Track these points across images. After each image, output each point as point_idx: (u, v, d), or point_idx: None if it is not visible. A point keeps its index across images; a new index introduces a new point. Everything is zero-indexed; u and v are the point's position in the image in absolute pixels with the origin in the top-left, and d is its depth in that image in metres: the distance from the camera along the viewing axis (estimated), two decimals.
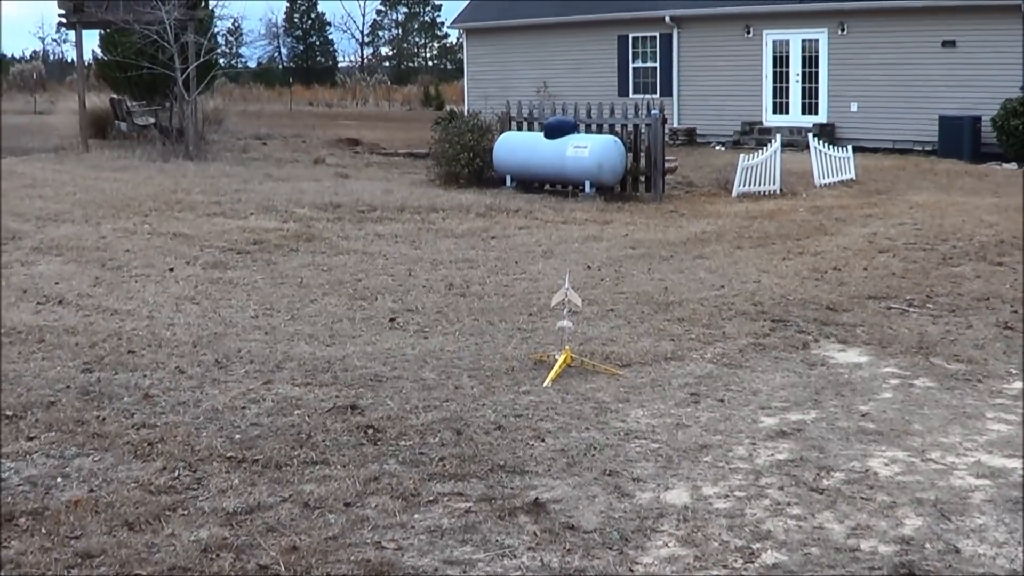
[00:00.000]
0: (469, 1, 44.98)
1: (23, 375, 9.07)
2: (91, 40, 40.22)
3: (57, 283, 12.97)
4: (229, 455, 7.27)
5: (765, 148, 23.60)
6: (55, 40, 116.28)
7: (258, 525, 6.20)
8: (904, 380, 9.35)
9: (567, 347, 9.61)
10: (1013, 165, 28.76)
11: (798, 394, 8.91)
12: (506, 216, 19.13)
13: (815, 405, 8.61)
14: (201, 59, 30.24)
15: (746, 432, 7.92)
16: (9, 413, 8.09)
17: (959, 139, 30.67)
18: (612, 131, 22.76)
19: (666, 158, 22.88)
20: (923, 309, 12.05)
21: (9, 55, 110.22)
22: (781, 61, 35.78)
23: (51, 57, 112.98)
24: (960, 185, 24.14)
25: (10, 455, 7.27)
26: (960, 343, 10.55)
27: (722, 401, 8.70)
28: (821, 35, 34.85)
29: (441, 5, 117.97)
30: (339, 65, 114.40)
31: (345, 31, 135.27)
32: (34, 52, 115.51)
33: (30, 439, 7.60)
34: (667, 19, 37.58)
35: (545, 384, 9.02)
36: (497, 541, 6.06)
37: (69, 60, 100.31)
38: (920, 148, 32.01)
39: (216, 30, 37.38)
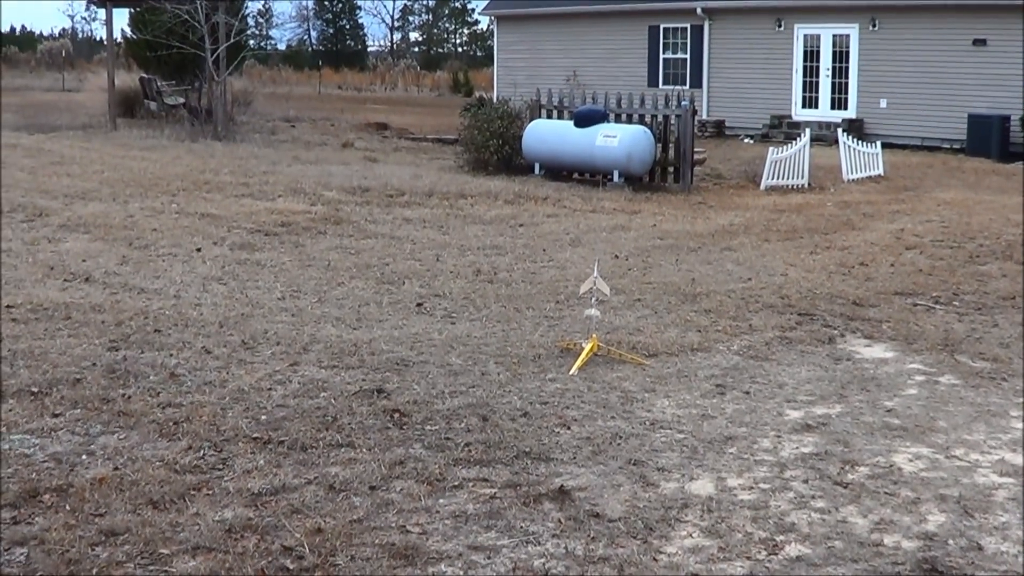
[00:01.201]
0: None
1: (49, 352, 9.10)
2: (120, 19, 40.30)
3: (84, 261, 13.01)
4: (255, 436, 7.29)
5: (794, 142, 23.56)
6: (84, 18, 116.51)
7: (283, 506, 6.22)
8: (929, 377, 9.34)
9: (594, 335, 9.62)
10: None
11: (823, 388, 8.90)
12: (534, 204, 19.12)
13: (840, 399, 8.60)
14: (232, 40, 30.26)
15: (771, 425, 7.92)
16: (35, 390, 8.13)
17: (987, 138, 30.54)
18: (642, 121, 22.72)
19: (695, 149, 22.83)
20: (949, 306, 12.02)
21: (38, 32, 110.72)
22: (811, 55, 35.65)
23: (79, 35, 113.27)
24: (988, 184, 24.04)
25: (35, 431, 7.31)
26: (986, 341, 10.52)
27: (748, 393, 8.69)
28: (852, 30, 34.71)
29: None
30: (368, 50, 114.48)
31: (375, 15, 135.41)
32: (63, 30, 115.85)
33: (55, 416, 7.64)
34: (699, 11, 37.47)
35: (571, 372, 9.03)
36: (522, 527, 6.07)
37: (98, 38, 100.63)
38: (948, 146, 31.89)
39: (247, 11, 37.29)
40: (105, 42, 40.03)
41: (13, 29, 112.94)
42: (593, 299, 9.86)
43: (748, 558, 5.80)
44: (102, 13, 35.69)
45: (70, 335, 9.70)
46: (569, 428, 7.66)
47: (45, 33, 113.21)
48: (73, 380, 8.39)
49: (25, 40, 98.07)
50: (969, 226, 17.18)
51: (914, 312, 11.67)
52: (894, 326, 11.00)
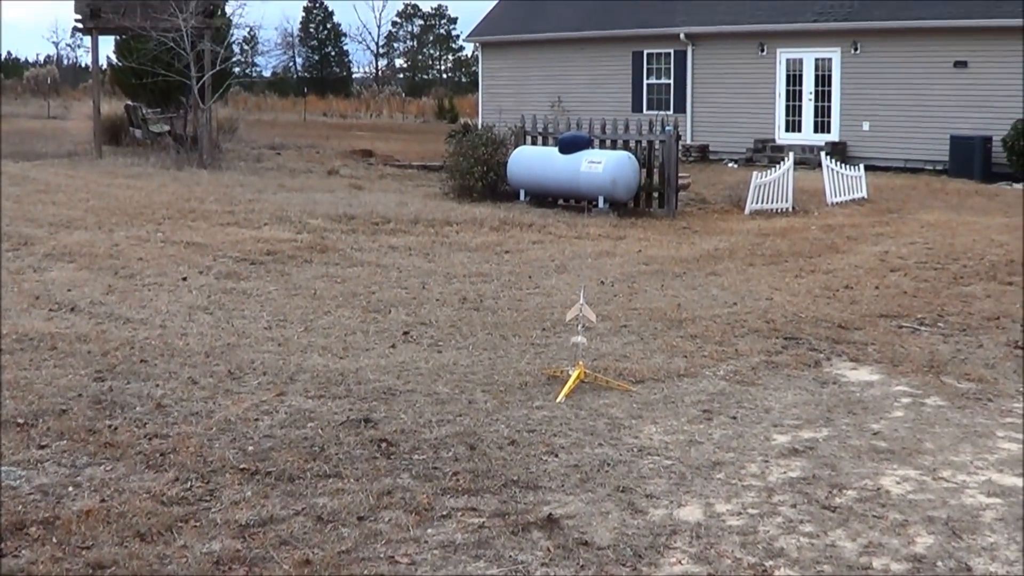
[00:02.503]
0: (485, 14, 45.00)
1: (34, 383, 9.08)
2: (106, 46, 40.33)
3: (69, 290, 12.98)
4: (242, 467, 7.27)
5: (778, 166, 23.61)
6: (69, 45, 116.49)
7: (271, 538, 6.21)
8: (915, 399, 9.36)
9: (580, 363, 9.62)
10: (1023, 185, 28.74)
11: (810, 412, 8.91)
12: (520, 230, 19.13)
13: (827, 423, 8.61)
14: (217, 67, 30.28)
15: (759, 449, 7.93)
16: (20, 421, 8.10)
17: (970, 159, 30.69)
18: (626, 147, 22.77)
19: (679, 175, 22.87)
20: (934, 328, 12.05)
21: (23, 59, 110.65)
22: (794, 79, 35.80)
23: (65, 62, 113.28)
24: (971, 205, 24.14)
25: (21, 463, 7.28)
26: (971, 362, 10.56)
27: (735, 418, 8.70)
28: (834, 54, 34.87)
29: (457, 18, 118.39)
30: (353, 76, 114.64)
31: (360, 42, 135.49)
32: (48, 56, 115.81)
33: (41, 447, 7.61)
34: (682, 36, 37.62)
35: (558, 400, 9.02)
36: (511, 557, 6.06)
37: (83, 65, 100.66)
38: (931, 167, 32.03)
39: (232, 38, 37.31)
40: (91, 69, 39.99)
41: None
42: (579, 326, 9.87)
43: None
44: (87, 40, 35.69)
45: (56, 365, 9.68)
46: (557, 456, 7.66)
47: (31, 60, 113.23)
48: (59, 411, 8.36)
49: (10, 67, 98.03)
50: (953, 247, 17.24)
51: (899, 334, 11.70)
52: (879, 349, 11.03)
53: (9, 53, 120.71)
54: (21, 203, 19.77)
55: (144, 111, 35.63)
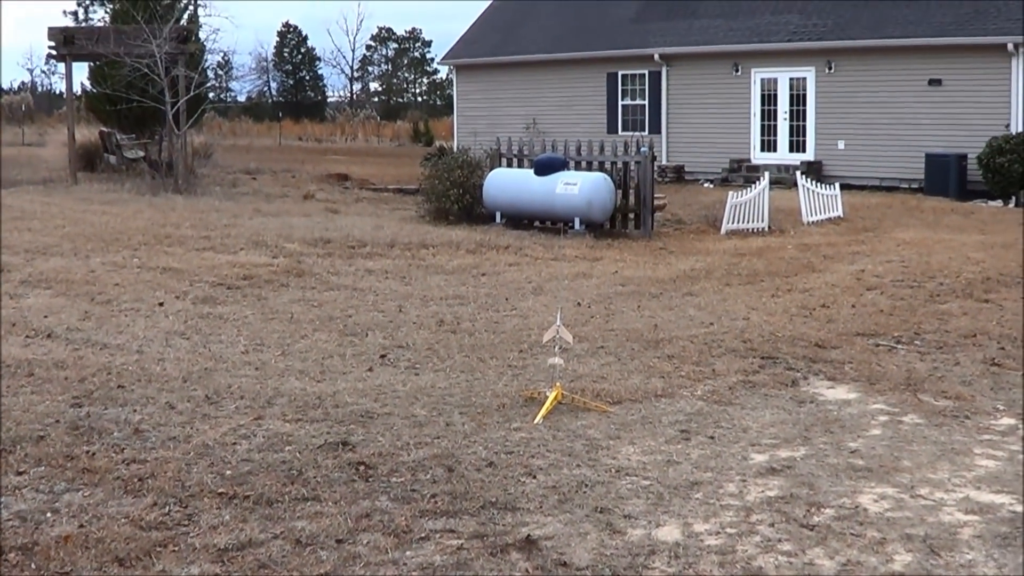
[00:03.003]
0: (459, 37, 45.06)
1: (12, 409, 9.04)
2: (80, 73, 40.27)
3: (46, 316, 12.94)
4: (220, 491, 7.26)
5: (753, 186, 23.68)
6: (44, 72, 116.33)
7: (250, 562, 6.20)
8: (893, 417, 9.39)
9: (558, 384, 9.63)
10: (998, 203, 28.91)
11: (788, 431, 8.93)
12: (496, 253, 19.16)
13: (804, 442, 8.63)
14: (191, 93, 30.26)
15: (736, 469, 7.94)
16: None
17: (945, 177, 30.80)
18: (602, 168, 22.84)
19: (655, 195, 22.92)
20: (911, 346, 12.09)
21: None
22: (769, 99, 35.92)
23: (39, 89, 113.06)
24: (946, 222, 24.22)
25: None
26: (948, 380, 10.59)
27: (712, 438, 8.71)
28: (809, 73, 35.00)
29: (431, 41, 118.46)
30: (328, 100, 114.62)
31: (335, 66, 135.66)
32: (22, 83, 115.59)
33: (19, 473, 7.58)
34: (656, 57, 37.71)
35: (536, 421, 9.03)
36: None
37: (57, 92, 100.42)
38: (907, 186, 32.14)
39: (206, 64, 37.33)
40: (65, 96, 39.94)
41: None
42: (556, 348, 9.89)
43: None
44: (62, 67, 35.65)
45: (33, 392, 9.64)
46: (535, 477, 7.66)
47: (5, 87, 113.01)
48: (37, 437, 8.33)
49: None
50: (929, 265, 17.30)
51: (876, 352, 11.73)
52: (856, 367, 11.06)
53: None
54: None
55: (118, 137, 35.59)
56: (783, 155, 35.31)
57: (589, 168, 22.97)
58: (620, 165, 22.89)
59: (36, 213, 22.59)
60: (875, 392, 10.18)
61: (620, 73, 39.12)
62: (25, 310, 13.29)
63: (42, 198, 26.08)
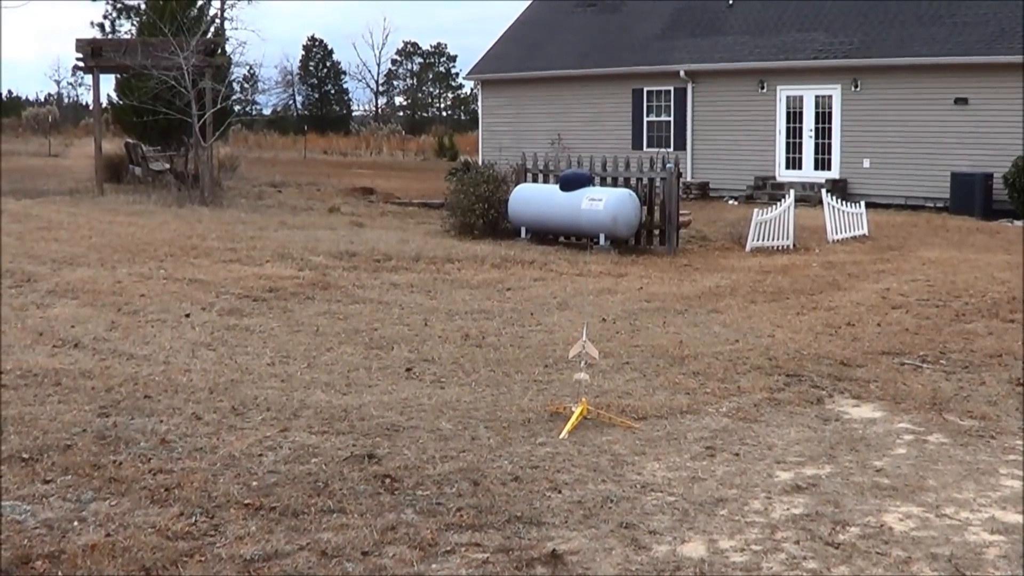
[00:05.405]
0: (485, 52, 45.10)
1: (39, 418, 9.09)
2: (107, 84, 40.44)
3: (73, 326, 12.99)
4: (246, 502, 7.28)
5: (779, 203, 23.65)
6: (71, 83, 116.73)
7: (275, 573, 6.22)
8: (918, 436, 9.37)
9: (583, 399, 9.63)
10: None
11: (813, 449, 8.92)
12: (521, 267, 19.19)
13: (830, 460, 8.62)
14: (218, 106, 30.36)
15: (762, 486, 7.93)
16: (25, 456, 8.11)
17: (971, 196, 30.72)
18: (627, 184, 22.86)
19: (680, 212, 22.92)
20: (936, 365, 12.07)
21: (24, 97, 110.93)
22: (795, 116, 35.87)
23: (66, 100, 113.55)
24: (972, 242, 24.16)
25: (26, 497, 7.29)
26: (973, 399, 10.57)
27: (737, 455, 8.71)
28: (835, 91, 34.96)
29: (456, 56, 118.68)
30: (353, 114, 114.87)
31: (360, 80, 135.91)
32: (48, 95, 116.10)
33: (46, 482, 7.62)
34: (682, 73, 37.70)
35: (561, 436, 9.03)
36: None
37: (84, 103, 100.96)
38: (932, 204, 32.07)
39: (232, 77, 37.42)
40: (91, 107, 40.12)
41: None
42: (582, 363, 9.89)
43: None
44: (89, 78, 35.78)
45: (60, 401, 9.69)
46: (560, 492, 7.67)
47: (31, 98, 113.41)
48: (64, 446, 8.37)
49: (10, 105, 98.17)
50: (954, 285, 17.25)
51: (901, 371, 11.71)
52: (882, 386, 11.04)
53: (10, 92, 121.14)
54: (24, 240, 19.79)
55: (143, 149, 35.72)
56: (808, 173, 35.26)
57: (615, 184, 22.98)
58: (645, 181, 22.90)
59: (63, 223, 22.67)
60: (900, 411, 10.16)
61: (645, 89, 39.12)
62: (52, 320, 13.35)
63: (69, 208, 26.16)
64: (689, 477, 8.11)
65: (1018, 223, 28.66)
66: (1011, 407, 10.32)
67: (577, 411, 9.42)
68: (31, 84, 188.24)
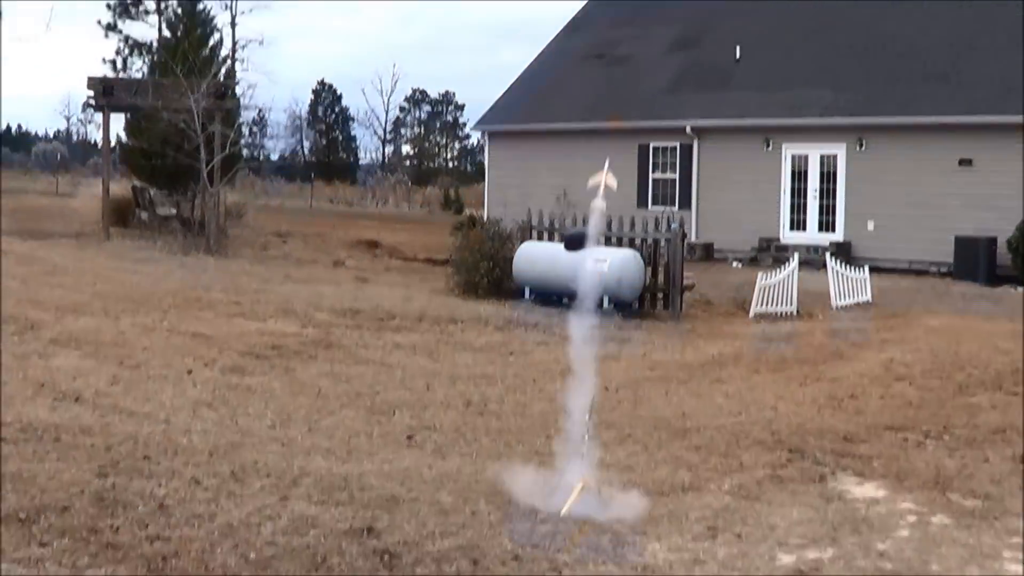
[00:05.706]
0: (493, 103, 45.14)
1: (38, 476, 9.06)
2: (117, 124, 40.50)
3: (75, 379, 12.98)
4: (244, 575, 7.23)
5: (783, 267, 23.62)
6: (80, 120, 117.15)
7: None
8: (921, 517, 9.33)
9: (583, 476, 9.57)
10: None
11: (815, 530, 8.88)
12: (524, 331, 19.19)
13: (832, 542, 8.58)
14: (227, 151, 30.40)
15: (763, 570, 7.90)
16: (22, 516, 8.08)
17: (975, 260, 30.63)
18: (631, 244, 22.84)
19: (684, 274, 22.90)
20: (939, 441, 12.04)
21: (32, 132, 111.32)
22: (799, 176, 35.82)
23: (75, 137, 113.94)
24: (975, 309, 24.14)
25: (22, 560, 7.27)
26: (976, 477, 10.54)
27: (739, 536, 8.66)
28: (840, 150, 34.97)
29: (464, 105, 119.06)
30: (360, 162, 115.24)
31: (367, 127, 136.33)
32: (57, 131, 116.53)
33: (43, 545, 7.59)
34: (688, 129, 37.68)
35: (563, 512, 8.99)
36: None
37: (92, 141, 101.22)
38: (936, 269, 31.96)
39: (241, 120, 37.53)
40: (100, 147, 40.21)
41: (9, 129, 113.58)
42: (601, 191, 9.86)
43: None
44: (99, 116, 35.88)
45: (59, 458, 9.65)
46: (560, 573, 7.62)
47: (40, 133, 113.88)
48: (61, 507, 8.34)
49: (19, 140, 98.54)
50: (958, 355, 17.19)
51: (904, 447, 11.68)
52: (885, 463, 11.01)
53: (19, 126, 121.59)
54: (28, 284, 19.80)
55: (150, 193, 35.77)
56: (812, 235, 35.21)
57: (619, 244, 22.96)
58: (650, 242, 22.90)
59: (68, 268, 22.71)
60: (903, 489, 10.13)
61: (652, 145, 39.09)
62: (54, 371, 13.34)
63: (74, 252, 26.21)
64: (691, 559, 8.07)
65: (1021, 289, 28.60)
66: (1014, 486, 10.29)
67: (577, 488, 9.36)
68: (40, 119, 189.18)
